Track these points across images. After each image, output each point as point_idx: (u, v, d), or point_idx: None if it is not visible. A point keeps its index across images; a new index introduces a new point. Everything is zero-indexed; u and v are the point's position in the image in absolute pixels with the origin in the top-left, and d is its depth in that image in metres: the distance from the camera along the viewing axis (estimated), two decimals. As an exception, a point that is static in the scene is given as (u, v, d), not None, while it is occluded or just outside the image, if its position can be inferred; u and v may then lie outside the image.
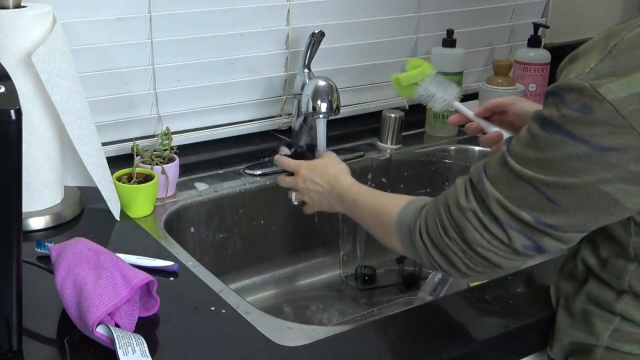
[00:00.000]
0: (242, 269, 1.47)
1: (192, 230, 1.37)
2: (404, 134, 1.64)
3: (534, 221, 0.86)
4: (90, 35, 1.37)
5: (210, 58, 1.51)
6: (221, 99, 1.56)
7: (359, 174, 1.39)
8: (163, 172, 1.31)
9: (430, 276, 1.38)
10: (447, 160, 1.67)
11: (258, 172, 1.48)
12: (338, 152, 1.38)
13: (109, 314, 0.91)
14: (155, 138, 1.46)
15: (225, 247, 1.43)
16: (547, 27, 1.84)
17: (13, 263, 0.85)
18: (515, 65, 1.80)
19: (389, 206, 1.03)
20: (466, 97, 1.69)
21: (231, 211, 1.42)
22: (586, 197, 0.83)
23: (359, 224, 1.17)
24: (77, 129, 1.17)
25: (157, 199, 1.32)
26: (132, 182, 1.28)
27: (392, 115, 1.61)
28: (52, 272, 0.97)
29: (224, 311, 1.01)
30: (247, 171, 1.49)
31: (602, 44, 0.83)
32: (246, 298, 1.09)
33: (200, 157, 1.50)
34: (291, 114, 1.59)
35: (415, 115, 1.74)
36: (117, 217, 1.25)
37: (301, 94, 1.47)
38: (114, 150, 1.42)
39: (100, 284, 0.91)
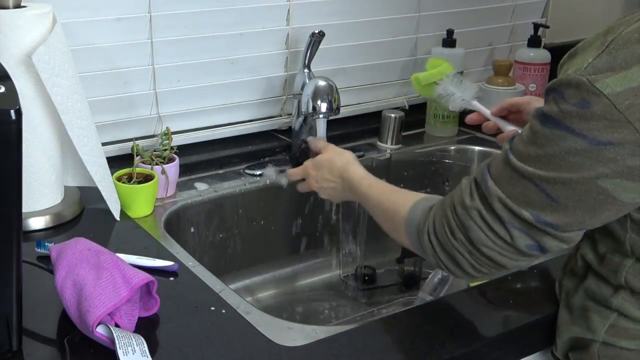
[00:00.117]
0: (242, 269, 1.47)
1: (192, 230, 1.37)
2: (404, 134, 1.64)
3: (534, 220, 0.86)
4: (90, 35, 1.37)
5: (210, 58, 1.51)
6: (221, 99, 1.56)
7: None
8: (163, 172, 1.31)
9: (430, 276, 1.38)
10: (447, 160, 1.67)
11: (258, 172, 1.48)
12: (302, 149, 1.37)
13: (109, 314, 0.91)
14: (155, 138, 1.46)
15: (225, 247, 1.43)
16: (547, 27, 1.84)
17: (13, 263, 0.85)
18: (515, 65, 1.80)
19: (399, 204, 1.04)
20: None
21: (231, 211, 1.42)
22: (584, 194, 0.83)
23: (358, 224, 1.17)
24: (77, 129, 1.17)
25: (157, 199, 1.32)
26: (132, 182, 1.28)
27: (392, 115, 1.61)
28: (52, 272, 0.97)
29: (224, 311, 1.01)
30: (247, 171, 1.49)
31: (600, 39, 0.84)
32: (246, 298, 1.09)
33: (200, 157, 1.50)
34: (291, 114, 1.59)
35: (415, 115, 1.74)
36: (117, 217, 1.25)
37: (301, 94, 1.47)
38: (114, 150, 1.42)
39: (100, 284, 0.91)
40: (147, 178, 1.29)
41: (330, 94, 1.43)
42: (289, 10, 1.57)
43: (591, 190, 0.83)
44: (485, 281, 1.13)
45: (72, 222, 1.24)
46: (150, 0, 1.41)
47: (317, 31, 1.48)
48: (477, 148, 1.67)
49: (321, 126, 1.40)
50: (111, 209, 1.24)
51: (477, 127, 1.70)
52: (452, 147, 1.68)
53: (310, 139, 1.31)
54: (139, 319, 0.96)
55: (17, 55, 1.12)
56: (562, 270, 1.07)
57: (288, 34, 1.58)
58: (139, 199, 1.27)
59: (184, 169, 1.42)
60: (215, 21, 1.49)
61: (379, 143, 1.63)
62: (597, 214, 0.86)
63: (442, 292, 1.35)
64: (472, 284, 1.16)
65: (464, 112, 1.61)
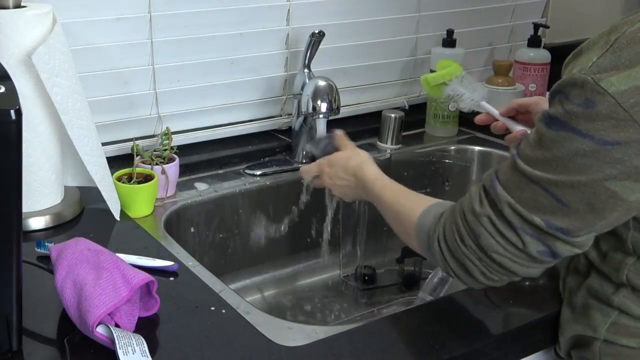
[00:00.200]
0: (242, 269, 1.47)
1: (192, 230, 1.37)
2: (404, 134, 1.64)
3: (545, 225, 0.86)
4: (90, 35, 1.37)
5: (210, 58, 1.51)
6: (221, 99, 1.56)
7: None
8: (163, 172, 1.31)
9: (430, 276, 1.38)
10: (447, 160, 1.67)
11: (258, 172, 1.49)
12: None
13: (109, 314, 0.91)
14: (155, 138, 1.46)
15: (225, 247, 1.43)
16: (547, 27, 1.84)
17: (13, 263, 0.85)
18: (515, 65, 1.80)
19: (410, 209, 1.03)
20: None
21: (231, 211, 1.42)
22: (594, 196, 0.83)
23: (358, 224, 1.17)
24: (77, 129, 1.17)
25: (157, 199, 1.32)
26: (132, 182, 1.28)
27: (392, 115, 1.61)
28: (52, 272, 0.97)
29: (224, 311, 1.01)
30: (247, 171, 1.49)
31: (604, 38, 0.84)
32: (246, 298, 1.09)
33: (200, 157, 1.50)
34: (291, 114, 1.59)
35: (415, 115, 1.74)
36: (117, 217, 1.25)
37: (301, 94, 1.47)
38: (114, 150, 1.42)
39: (100, 284, 0.91)
40: (147, 178, 1.29)
41: (330, 94, 1.43)
42: (289, 10, 1.57)
43: (600, 193, 0.83)
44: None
45: (72, 222, 1.24)
46: (150, 0, 1.41)
47: (317, 31, 1.48)
48: (477, 148, 1.67)
49: (321, 126, 1.40)
50: (111, 209, 1.24)
51: (477, 127, 1.71)
52: (452, 147, 1.68)
53: (337, 133, 1.28)
54: (139, 319, 0.96)
55: (17, 55, 1.12)
56: (566, 268, 1.07)
57: (288, 34, 1.58)
58: (139, 199, 1.27)
59: (184, 169, 1.42)
60: (215, 21, 1.49)
61: (379, 143, 1.63)
62: (606, 216, 0.86)
63: (442, 292, 1.35)
64: (472, 284, 1.16)
65: (464, 113, 1.62)
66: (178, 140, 1.46)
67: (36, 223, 1.20)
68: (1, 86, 0.82)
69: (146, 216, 1.28)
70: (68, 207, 1.24)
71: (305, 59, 1.52)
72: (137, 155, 1.32)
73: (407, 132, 1.67)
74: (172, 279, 1.09)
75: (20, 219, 0.85)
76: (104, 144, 1.31)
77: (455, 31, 1.70)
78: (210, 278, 1.10)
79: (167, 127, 1.38)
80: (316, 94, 1.42)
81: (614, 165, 0.81)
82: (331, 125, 1.43)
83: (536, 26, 1.79)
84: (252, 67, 1.57)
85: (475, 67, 1.89)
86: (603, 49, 0.82)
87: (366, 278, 1.51)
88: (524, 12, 1.94)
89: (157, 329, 0.97)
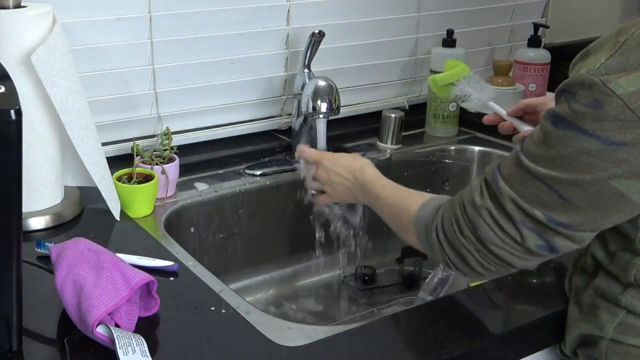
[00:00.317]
0: (242, 269, 1.47)
1: (192, 230, 1.37)
2: (404, 134, 1.64)
3: (546, 219, 0.86)
4: (90, 35, 1.37)
5: (210, 58, 1.51)
6: (221, 99, 1.56)
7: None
8: (163, 172, 1.31)
9: (430, 276, 1.38)
10: (447, 160, 1.67)
11: (258, 172, 1.49)
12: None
13: (109, 314, 0.91)
14: (155, 138, 1.46)
15: (225, 247, 1.43)
16: (547, 27, 1.84)
17: (13, 263, 0.85)
18: (515, 65, 1.80)
19: (409, 203, 1.05)
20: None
21: (231, 211, 1.42)
22: (597, 194, 0.84)
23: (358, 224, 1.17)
24: (77, 129, 1.17)
25: (157, 199, 1.32)
26: (132, 182, 1.28)
27: (392, 115, 1.61)
28: (52, 272, 0.97)
29: (224, 311, 1.01)
30: (247, 171, 1.49)
31: (612, 40, 0.84)
32: (246, 298, 1.09)
33: (200, 157, 1.50)
34: (291, 114, 1.59)
35: (415, 115, 1.74)
36: (117, 217, 1.25)
37: (301, 94, 1.47)
38: (114, 150, 1.42)
39: (100, 284, 0.91)
40: (147, 178, 1.29)
41: (330, 94, 1.43)
42: (289, 10, 1.57)
43: (604, 191, 0.83)
44: (485, 281, 1.13)
45: (72, 222, 1.24)
46: (150, 0, 1.41)
47: (317, 31, 1.48)
48: (477, 148, 1.67)
49: (321, 126, 1.40)
50: (111, 209, 1.24)
51: (477, 127, 1.72)
52: (452, 147, 1.68)
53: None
54: (139, 319, 0.96)
55: (17, 55, 1.12)
56: (572, 267, 1.07)
57: (288, 34, 1.58)
58: (139, 199, 1.27)
59: (184, 169, 1.42)
60: (215, 21, 1.49)
61: (379, 143, 1.63)
62: (609, 215, 0.86)
63: (442, 292, 1.35)
64: (472, 284, 1.16)
65: (464, 113, 1.62)
66: (178, 140, 1.46)
67: (36, 223, 1.20)
68: (1, 86, 0.82)
69: (146, 216, 1.28)
70: (68, 207, 1.24)
71: (305, 59, 1.52)
72: (137, 155, 1.32)
73: (407, 132, 1.67)
74: (172, 279, 1.09)
75: (20, 219, 0.85)
76: (104, 144, 1.31)
77: (455, 31, 1.70)
78: (210, 278, 1.10)
79: (167, 127, 1.38)
80: (316, 94, 1.42)
81: (619, 165, 0.82)
82: (331, 125, 1.43)
83: (536, 26, 1.79)
84: (252, 67, 1.57)
85: (476, 67, 1.88)
86: (611, 51, 0.83)
87: (366, 278, 1.51)
88: (524, 12, 1.93)
89: (157, 329, 0.97)
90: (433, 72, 1.69)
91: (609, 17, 2.03)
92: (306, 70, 1.52)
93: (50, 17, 1.16)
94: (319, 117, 1.42)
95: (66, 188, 1.28)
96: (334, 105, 1.42)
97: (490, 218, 0.90)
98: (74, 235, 1.05)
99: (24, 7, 1.15)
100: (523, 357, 1.05)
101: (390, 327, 1.02)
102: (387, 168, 1.57)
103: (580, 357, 1.02)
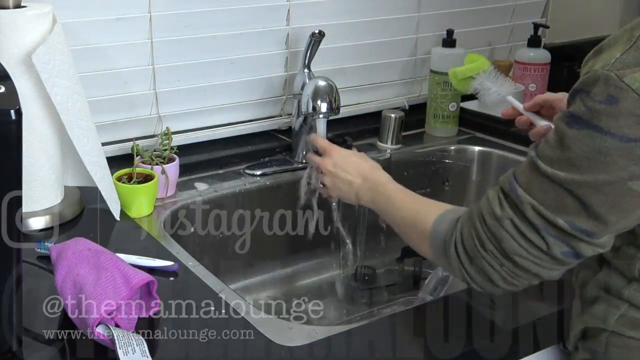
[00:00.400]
0: (242, 269, 1.47)
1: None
2: (404, 134, 1.64)
3: (569, 227, 0.85)
4: (90, 35, 1.37)
5: (210, 58, 1.51)
6: (221, 99, 1.56)
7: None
8: (163, 172, 1.31)
9: (430, 276, 1.38)
10: (447, 160, 1.67)
11: (258, 172, 1.48)
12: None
13: (109, 314, 0.91)
14: (155, 138, 1.46)
15: (225, 247, 1.43)
16: (547, 27, 1.84)
17: (13, 263, 0.85)
18: (515, 65, 1.80)
19: (425, 214, 1.02)
20: (466, 97, 1.69)
21: (231, 211, 1.42)
22: (617, 197, 0.83)
23: (358, 224, 1.17)
24: (77, 129, 1.17)
25: (157, 199, 1.32)
26: (132, 182, 1.28)
27: (392, 115, 1.61)
28: (52, 272, 0.97)
29: (224, 311, 1.01)
30: (247, 171, 1.49)
31: (627, 35, 0.84)
32: (246, 298, 1.09)
33: (200, 157, 1.50)
34: (291, 114, 1.59)
35: (415, 115, 1.74)
36: (117, 217, 1.25)
37: (301, 94, 1.47)
38: (114, 150, 1.42)
39: (100, 284, 0.91)
40: (147, 178, 1.29)
41: (330, 94, 1.43)
42: (289, 10, 1.56)
43: (623, 194, 0.82)
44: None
45: (72, 222, 1.24)
46: (150, 0, 1.41)
47: (317, 31, 1.47)
48: (477, 148, 1.67)
49: (321, 126, 1.40)
50: (111, 209, 1.24)
51: (477, 127, 1.72)
52: (452, 147, 1.68)
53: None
54: (139, 319, 0.96)
55: (17, 55, 1.12)
56: (579, 262, 1.07)
57: (288, 34, 1.58)
58: (139, 199, 1.27)
59: (184, 169, 1.42)
60: (215, 21, 1.49)
61: (379, 143, 1.63)
62: (629, 216, 0.85)
63: (442, 292, 1.35)
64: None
65: (464, 113, 1.62)
66: (178, 140, 1.46)
67: (36, 223, 1.20)
68: (1, 86, 0.82)
69: (146, 216, 1.28)
70: (68, 207, 1.24)
71: (305, 59, 1.52)
72: (137, 155, 1.32)
73: (407, 132, 1.67)
74: (172, 279, 1.09)
75: (20, 219, 0.85)
76: (104, 144, 1.31)
77: (455, 31, 1.70)
78: (210, 278, 1.10)
79: (167, 127, 1.38)
80: (316, 94, 1.42)
81: (637, 162, 0.80)
82: (331, 125, 1.43)
83: (536, 26, 1.79)
84: (252, 67, 1.56)
85: (475, 67, 1.89)
86: (626, 45, 0.82)
87: (366, 278, 1.51)
88: (524, 12, 1.93)
89: (157, 329, 0.97)
90: (433, 72, 1.69)
91: (609, 17, 2.03)
92: (306, 70, 1.52)
93: (50, 17, 1.16)
94: (319, 117, 1.41)
95: (66, 188, 1.28)
96: (334, 105, 1.42)
97: (513, 228, 0.88)
98: (74, 235, 1.05)
99: (24, 7, 1.15)
100: (523, 356, 1.05)
101: (390, 327, 1.02)
102: (387, 168, 1.55)
103: (580, 349, 1.02)
